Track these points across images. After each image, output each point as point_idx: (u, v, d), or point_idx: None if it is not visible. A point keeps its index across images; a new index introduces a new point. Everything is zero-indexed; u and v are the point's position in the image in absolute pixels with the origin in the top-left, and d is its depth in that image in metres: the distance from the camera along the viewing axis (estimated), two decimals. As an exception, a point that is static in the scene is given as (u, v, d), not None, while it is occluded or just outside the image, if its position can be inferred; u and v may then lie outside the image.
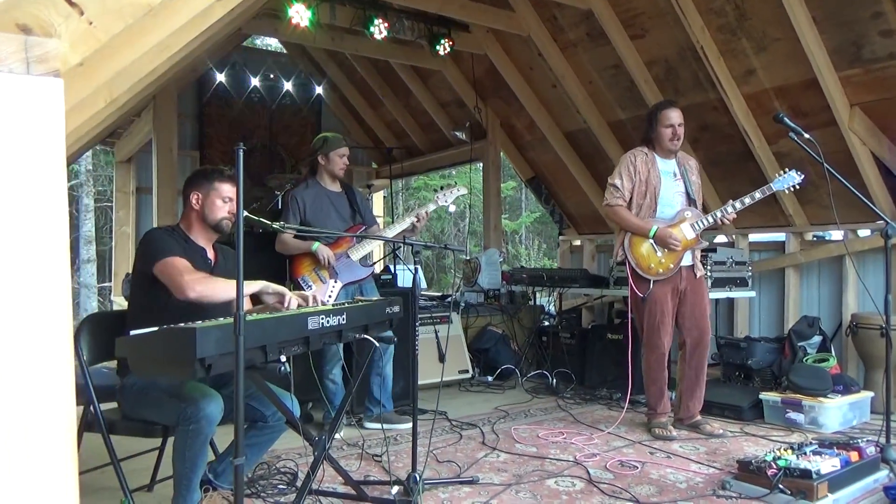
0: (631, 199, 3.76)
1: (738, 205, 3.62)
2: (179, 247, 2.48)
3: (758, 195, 3.60)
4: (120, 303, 6.85)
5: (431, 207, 3.93)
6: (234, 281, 2.33)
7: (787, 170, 3.63)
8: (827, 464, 2.65)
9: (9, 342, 0.99)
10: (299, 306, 2.43)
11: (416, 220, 3.78)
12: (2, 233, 0.97)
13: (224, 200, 2.59)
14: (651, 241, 3.67)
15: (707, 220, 3.68)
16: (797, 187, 3.62)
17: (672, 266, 3.67)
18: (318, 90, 8.36)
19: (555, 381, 5.01)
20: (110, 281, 9.72)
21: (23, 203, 0.99)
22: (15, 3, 1.05)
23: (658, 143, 3.76)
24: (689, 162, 3.91)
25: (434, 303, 5.67)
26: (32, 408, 1.00)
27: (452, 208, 4.04)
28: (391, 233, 3.82)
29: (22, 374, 1.00)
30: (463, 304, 5.70)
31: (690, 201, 3.78)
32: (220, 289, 2.32)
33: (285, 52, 8.74)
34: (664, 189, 3.73)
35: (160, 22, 1.61)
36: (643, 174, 3.73)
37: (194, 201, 2.59)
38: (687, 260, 3.75)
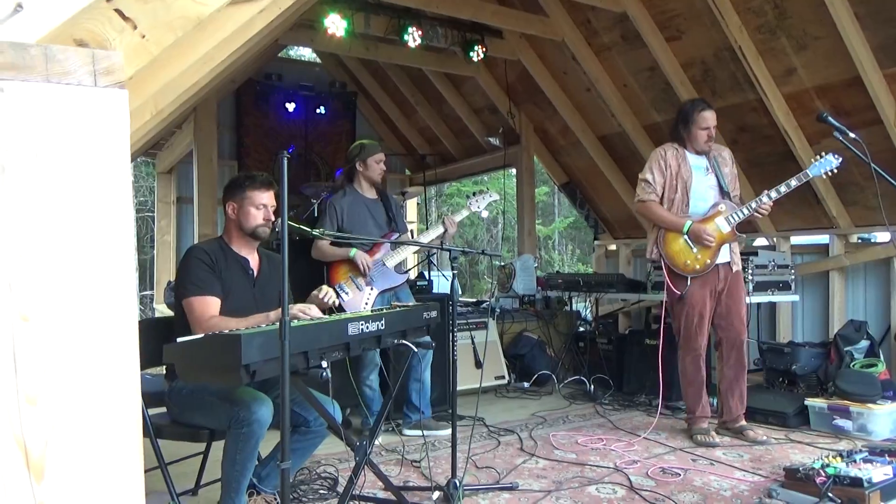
0: (662, 194, 3.71)
1: (773, 194, 3.54)
2: (213, 273, 2.50)
3: (794, 182, 3.51)
4: (162, 310, 7.00)
5: (464, 214, 3.93)
6: (245, 320, 2.39)
7: (823, 154, 3.52)
8: (879, 472, 2.57)
9: (80, 345, 1.03)
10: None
11: (446, 226, 3.78)
12: (75, 238, 1.01)
13: (258, 208, 2.60)
14: (685, 236, 3.62)
15: (742, 213, 3.61)
16: (835, 171, 3.50)
17: (708, 262, 3.60)
18: (353, 99, 8.44)
19: (592, 387, 4.96)
20: (151, 289, 9.93)
21: (93, 212, 1.03)
22: (72, 20, 1.09)
23: (691, 142, 3.71)
24: (723, 153, 3.85)
25: (469, 309, 5.66)
26: (103, 405, 1.04)
27: (485, 214, 4.04)
28: (424, 240, 3.84)
29: (94, 379, 1.04)
30: (498, 310, 5.69)
31: (724, 194, 3.72)
32: (232, 328, 2.32)
33: (319, 61, 8.86)
34: (696, 183, 3.68)
35: (206, 35, 1.66)
36: (674, 169, 3.68)
37: (230, 211, 2.63)
38: (724, 256, 3.67)
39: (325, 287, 2.67)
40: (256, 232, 2.62)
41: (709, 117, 3.67)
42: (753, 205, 3.58)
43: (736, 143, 5.01)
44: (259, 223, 2.61)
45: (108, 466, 1.01)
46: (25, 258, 0.97)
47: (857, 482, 2.49)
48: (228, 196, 2.65)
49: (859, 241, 4.85)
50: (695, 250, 3.61)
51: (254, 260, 2.69)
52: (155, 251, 8.19)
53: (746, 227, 3.72)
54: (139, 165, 14.05)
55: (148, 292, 12.81)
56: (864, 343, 4.32)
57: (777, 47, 4.31)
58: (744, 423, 3.71)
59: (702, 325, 3.65)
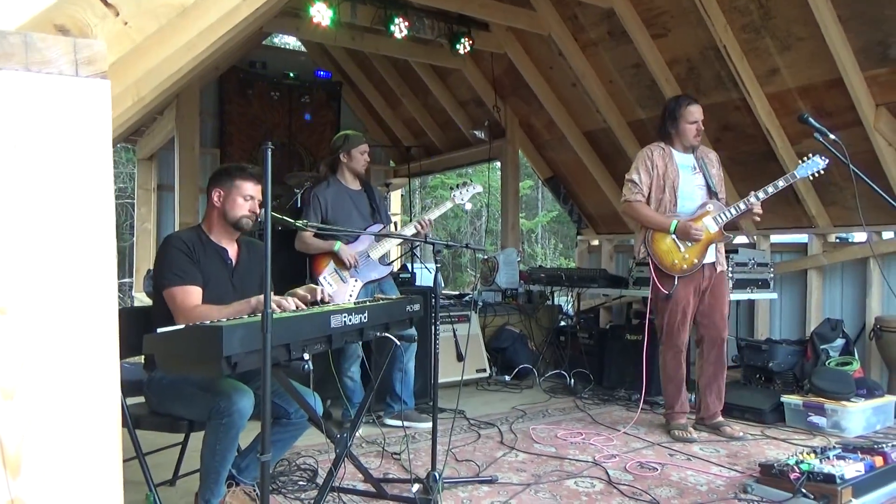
0: (649, 194, 3.72)
1: (760, 194, 3.57)
2: (193, 263, 2.48)
3: (781, 183, 3.54)
4: (140, 299, 6.93)
5: (448, 206, 3.93)
6: (227, 307, 2.37)
7: (810, 155, 3.54)
8: (851, 468, 2.62)
9: (59, 339, 1.02)
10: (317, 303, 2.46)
11: (419, 226, 3.76)
12: (55, 230, 0.99)
13: (245, 199, 2.58)
14: (673, 236, 3.64)
15: (730, 213, 3.63)
16: (822, 173, 3.53)
17: (696, 262, 3.62)
18: (338, 89, 8.39)
19: (573, 381, 5.00)
20: (130, 277, 9.81)
21: (72, 204, 1.01)
22: (53, 6, 1.07)
23: (679, 138, 3.72)
24: (709, 155, 3.87)
25: (452, 301, 5.67)
26: (82, 400, 1.03)
27: (468, 206, 4.03)
28: (395, 241, 3.81)
29: (73, 373, 1.02)
30: (481, 303, 5.70)
31: (712, 194, 3.73)
32: (215, 317, 2.30)
33: (305, 50, 8.78)
34: (683, 183, 3.69)
35: (190, 22, 1.63)
36: (661, 169, 3.69)
37: (216, 198, 2.60)
38: (710, 256, 3.70)
39: (315, 287, 2.62)
40: (240, 222, 2.59)
41: (695, 111, 3.68)
42: (742, 205, 3.60)
43: (719, 141, 5.04)
44: (244, 213, 2.58)
45: (87, 461, 1.00)
46: (3, 250, 0.96)
47: (830, 478, 2.54)
48: (215, 183, 2.61)
49: (837, 240, 4.92)
50: (682, 249, 3.63)
51: (232, 250, 2.66)
52: (134, 238, 8.09)
53: (728, 225, 3.75)
54: (119, 151, 13.85)
55: (127, 280, 12.66)
56: (840, 341, 4.39)
57: (761, 47, 4.34)
58: (721, 419, 3.76)
59: (685, 322, 3.68)
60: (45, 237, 0.98)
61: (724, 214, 3.64)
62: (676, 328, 3.68)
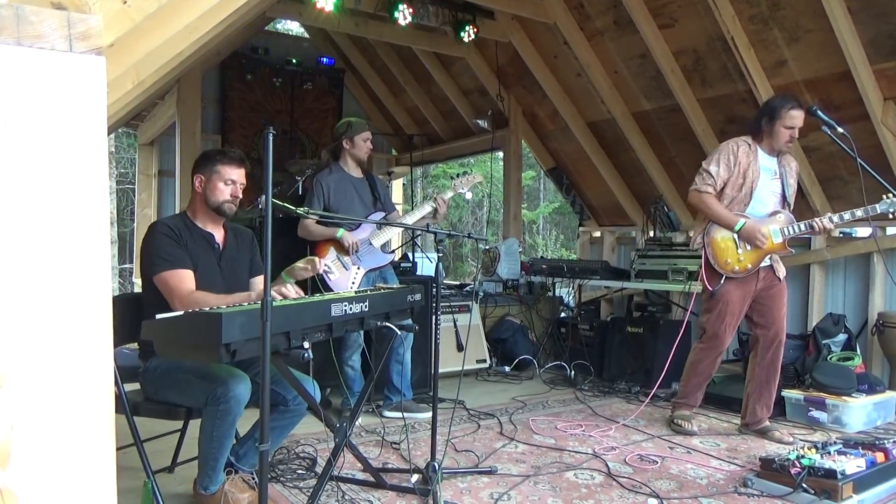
0: (722, 189, 3.54)
1: (836, 218, 3.37)
2: (181, 247, 2.44)
3: (859, 213, 3.34)
4: (141, 285, 6.92)
5: (449, 194, 3.91)
6: (228, 297, 2.35)
7: (893, 194, 3.32)
8: (852, 464, 2.60)
9: (50, 325, 0.99)
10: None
11: (436, 205, 3.76)
12: (46, 211, 0.97)
13: (226, 183, 2.53)
14: (735, 235, 3.49)
15: (799, 228, 3.44)
16: None
17: (750, 267, 3.48)
18: (340, 76, 8.34)
19: (573, 372, 4.99)
20: (131, 262, 9.82)
21: (66, 184, 0.98)
22: (49, -19, 1.04)
23: (770, 139, 3.50)
24: (791, 164, 3.65)
25: (453, 292, 5.65)
26: (73, 388, 1.01)
27: (469, 196, 4.02)
28: (411, 219, 3.80)
29: (64, 360, 1.00)
30: (482, 294, 5.68)
31: (785, 204, 3.57)
32: (213, 304, 2.26)
33: (307, 36, 8.72)
34: (761, 186, 3.50)
35: (191, 3, 1.60)
36: (743, 166, 3.49)
37: (197, 184, 2.55)
38: (765, 261, 3.54)
39: (314, 258, 2.60)
40: (222, 208, 2.55)
41: (797, 116, 3.43)
42: (814, 225, 3.40)
43: (724, 134, 4.99)
44: (226, 199, 2.54)
45: (78, 450, 0.98)
46: (-9, 231, 0.93)
47: (831, 474, 2.52)
48: (197, 168, 2.57)
49: (841, 235, 4.89)
50: (739, 251, 3.48)
51: (219, 235, 2.62)
52: (135, 224, 8.08)
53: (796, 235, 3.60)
54: (120, 136, 13.81)
55: (127, 266, 12.66)
56: (842, 336, 4.36)
57: (769, 39, 4.29)
58: (767, 424, 3.62)
59: (732, 324, 3.56)
60: (36, 218, 0.96)
61: (793, 228, 3.45)
62: (723, 330, 3.54)
